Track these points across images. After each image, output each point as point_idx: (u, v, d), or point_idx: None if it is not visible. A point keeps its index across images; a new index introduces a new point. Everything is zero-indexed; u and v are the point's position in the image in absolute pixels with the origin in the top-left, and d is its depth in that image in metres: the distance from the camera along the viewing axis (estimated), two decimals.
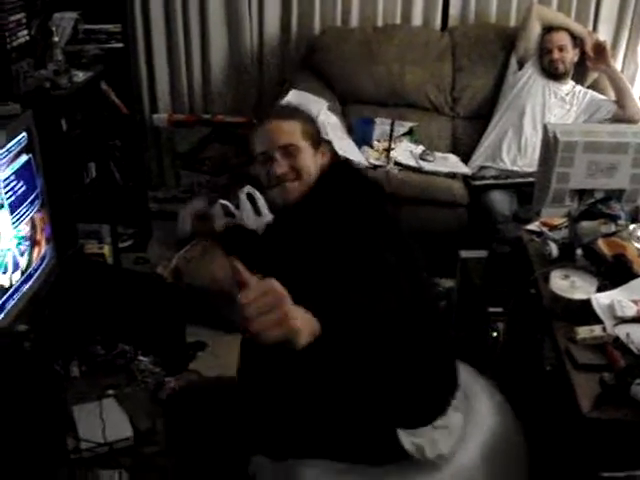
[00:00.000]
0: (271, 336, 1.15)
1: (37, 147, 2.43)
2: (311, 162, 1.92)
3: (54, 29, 3.10)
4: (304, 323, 1.20)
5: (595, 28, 4.07)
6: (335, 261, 1.59)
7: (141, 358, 2.97)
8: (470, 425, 1.94)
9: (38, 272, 2.44)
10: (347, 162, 2.13)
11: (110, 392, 2.81)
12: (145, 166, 4.27)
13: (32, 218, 2.37)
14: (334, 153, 2.07)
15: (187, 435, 1.99)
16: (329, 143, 2.06)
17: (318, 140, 1.97)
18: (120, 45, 3.60)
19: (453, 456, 1.85)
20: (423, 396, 1.84)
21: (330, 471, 1.81)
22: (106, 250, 3.41)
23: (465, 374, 2.05)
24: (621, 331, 1.93)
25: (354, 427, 1.81)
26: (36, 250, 2.42)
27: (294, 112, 2.00)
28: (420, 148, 3.79)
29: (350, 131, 3.82)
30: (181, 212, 2.45)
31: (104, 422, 2.61)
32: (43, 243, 2.49)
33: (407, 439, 1.79)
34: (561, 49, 3.73)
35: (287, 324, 1.16)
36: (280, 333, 1.16)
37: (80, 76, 3.15)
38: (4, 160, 2.17)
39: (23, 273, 2.32)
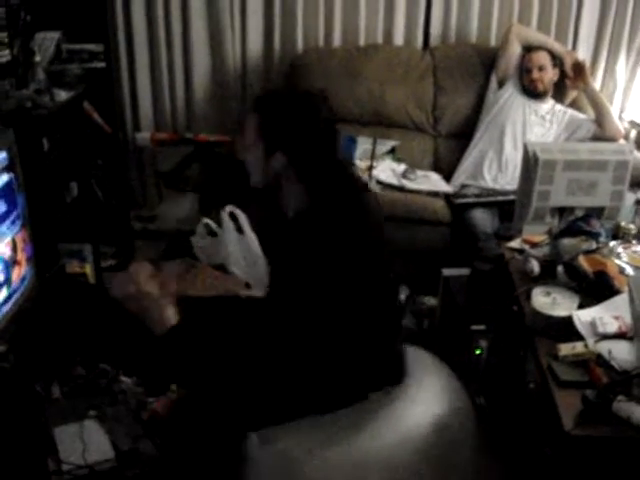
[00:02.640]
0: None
1: (18, 166, 2.41)
2: (255, 159, 1.96)
3: (36, 49, 3.09)
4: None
5: (574, 47, 4.11)
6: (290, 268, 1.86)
7: (123, 379, 2.94)
8: (421, 403, 2.03)
9: (18, 292, 2.42)
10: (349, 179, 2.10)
11: (91, 413, 2.77)
12: (128, 185, 4.26)
13: (13, 238, 2.36)
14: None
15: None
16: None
17: (278, 145, 1.92)
18: (103, 65, 3.59)
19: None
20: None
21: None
22: (88, 269, 3.38)
23: (421, 358, 2.19)
24: (603, 348, 1.94)
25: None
26: (16, 270, 2.40)
27: (268, 102, 1.98)
28: (402, 167, 3.80)
29: None
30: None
31: (85, 444, 2.58)
32: (24, 263, 2.47)
33: None
34: (541, 69, 3.77)
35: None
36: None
37: (62, 95, 3.15)
38: None
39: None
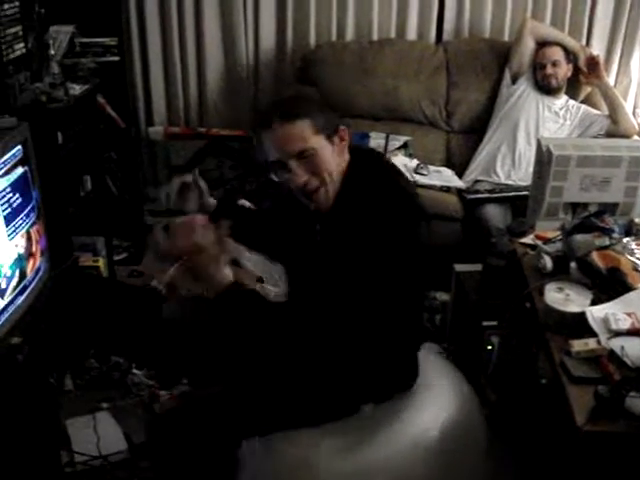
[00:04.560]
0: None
1: (33, 160, 2.43)
2: (330, 158, 1.86)
3: (50, 42, 3.11)
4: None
5: (588, 43, 4.09)
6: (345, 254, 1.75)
7: (135, 371, 2.96)
8: (430, 407, 2.01)
9: (32, 285, 2.43)
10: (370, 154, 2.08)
11: (104, 405, 2.80)
12: (140, 179, 4.27)
13: (27, 230, 2.37)
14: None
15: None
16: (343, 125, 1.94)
17: (332, 127, 1.88)
18: (116, 58, 3.61)
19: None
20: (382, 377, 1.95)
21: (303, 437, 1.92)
22: (101, 263, 3.40)
23: (430, 361, 2.15)
24: (616, 344, 1.93)
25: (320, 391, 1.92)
26: (31, 262, 2.42)
27: (299, 108, 1.87)
28: (415, 162, 3.80)
29: None
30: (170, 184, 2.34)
31: (98, 435, 2.61)
32: (38, 255, 2.48)
33: None
34: (554, 64, 3.75)
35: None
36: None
37: (76, 89, 3.16)
38: (0, 172, 2.17)
39: (17, 286, 2.32)
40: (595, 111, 3.81)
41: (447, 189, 3.66)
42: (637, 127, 3.82)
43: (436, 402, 2.03)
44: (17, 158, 2.31)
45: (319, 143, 1.84)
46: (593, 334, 1.99)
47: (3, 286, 2.18)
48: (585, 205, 2.62)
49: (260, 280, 3.31)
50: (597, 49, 4.04)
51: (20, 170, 2.32)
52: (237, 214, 2.25)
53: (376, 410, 1.96)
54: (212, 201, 2.25)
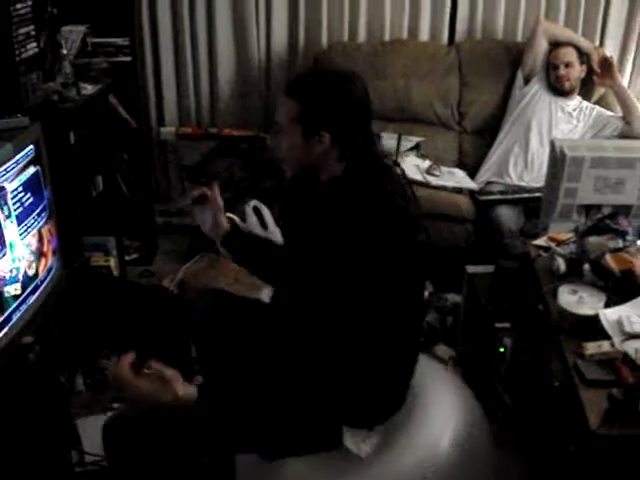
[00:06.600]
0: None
1: (45, 159, 2.43)
2: (292, 147, 1.87)
3: (63, 42, 3.11)
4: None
5: (602, 43, 4.07)
6: (324, 253, 1.75)
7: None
8: (435, 422, 1.96)
9: (44, 284, 2.43)
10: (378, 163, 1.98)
11: (115, 405, 2.80)
12: (152, 179, 4.28)
13: (39, 230, 2.37)
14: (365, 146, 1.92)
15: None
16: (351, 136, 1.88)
17: (317, 128, 1.83)
18: (128, 59, 3.62)
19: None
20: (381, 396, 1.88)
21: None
22: (112, 263, 3.41)
23: (427, 369, 2.09)
24: (630, 347, 1.92)
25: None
26: (42, 262, 2.42)
27: (305, 87, 1.87)
28: (427, 163, 3.79)
29: None
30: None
31: None
32: (49, 255, 2.48)
33: (350, 437, 1.83)
34: (567, 65, 3.73)
35: None
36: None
37: (88, 89, 3.16)
38: (12, 172, 2.17)
39: (29, 285, 2.32)
40: (609, 112, 3.78)
41: (459, 190, 3.64)
42: None
43: (442, 415, 1.98)
44: (29, 158, 2.31)
45: (291, 128, 1.86)
46: (607, 337, 1.98)
47: (7, 277, 2.18)
48: (599, 207, 2.61)
49: None
50: (610, 50, 4.02)
51: (32, 170, 2.33)
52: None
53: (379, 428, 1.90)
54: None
